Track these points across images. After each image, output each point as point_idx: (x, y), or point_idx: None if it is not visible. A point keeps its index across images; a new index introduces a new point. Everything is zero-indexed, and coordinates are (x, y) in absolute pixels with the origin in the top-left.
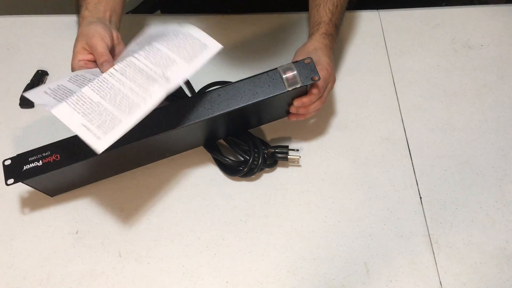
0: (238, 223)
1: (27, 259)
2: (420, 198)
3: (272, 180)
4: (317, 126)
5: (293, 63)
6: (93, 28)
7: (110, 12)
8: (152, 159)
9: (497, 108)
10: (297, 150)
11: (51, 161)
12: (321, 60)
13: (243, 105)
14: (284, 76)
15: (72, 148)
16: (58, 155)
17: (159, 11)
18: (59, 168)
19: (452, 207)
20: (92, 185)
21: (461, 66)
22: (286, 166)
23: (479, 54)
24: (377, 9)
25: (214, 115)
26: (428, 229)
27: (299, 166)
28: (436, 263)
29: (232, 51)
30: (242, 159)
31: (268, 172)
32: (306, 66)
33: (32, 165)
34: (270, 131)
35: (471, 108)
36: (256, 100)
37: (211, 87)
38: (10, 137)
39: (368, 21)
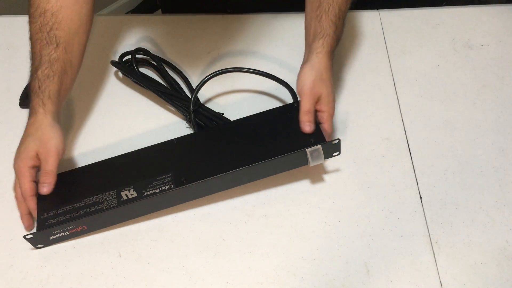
0: (238, 223)
1: (27, 259)
2: (420, 198)
3: (272, 180)
4: None
5: (321, 144)
6: (54, 137)
7: (64, 100)
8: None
9: (497, 108)
10: None
11: (78, 230)
12: (327, 98)
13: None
14: (310, 158)
15: (98, 220)
16: (85, 226)
17: (159, 11)
18: (87, 233)
19: (452, 207)
20: None
21: (461, 66)
22: None
23: (479, 54)
24: (377, 9)
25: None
26: (428, 229)
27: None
28: (436, 263)
29: (232, 51)
30: None
31: None
32: (332, 146)
33: (58, 235)
34: None
35: (471, 108)
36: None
37: (210, 78)
38: (10, 137)
39: (368, 21)
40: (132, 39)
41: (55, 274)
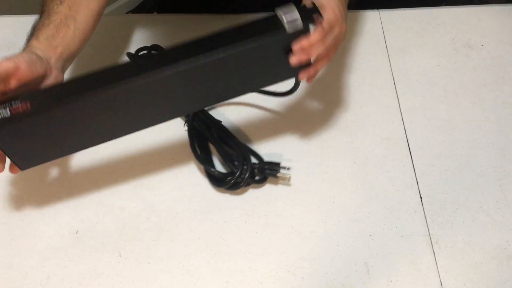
0: (238, 223)
1: (27, 259)
2: (421, 198)
3: (273, 180)
4: (317, 126)
5: (295, 6)
6: (23, 54)
7: (62, 49)
8: (137, 123)
9: (497, 108)
10: (289, 168)
11: (20, 109)
12: (328, 1)
13: (238, 50)
14: (284, 18)
15: (42, 96)
16: (28, 104)
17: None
18: (32, 115)
19: (452, 207)
20: (91, 184)
21: (462, 66)
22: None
23: (480, 54)
24: (377, 9)
25: (205, 60)
26: (428, 229)
27: (300, 165)
28: (436, 263)
29: None
30: (230, 170)
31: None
32: (308, 10)
33: None
34: (268, 134)
35: (471, 108)
36: (253, 46)
37: None
38: None
39: (368, 21)
40: (132, 39)
41: (55, 274)
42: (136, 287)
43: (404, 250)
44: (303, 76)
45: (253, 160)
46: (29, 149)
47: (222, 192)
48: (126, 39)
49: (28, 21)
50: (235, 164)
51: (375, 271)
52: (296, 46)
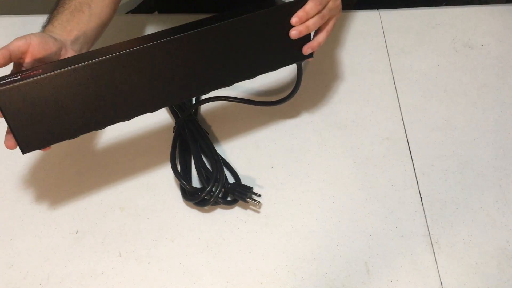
0: (238, 223)
1: (27, 259)
2: (421, 198)
3: (273, 180)
4: (317, 126)
5: None
6: (35, 33)
7: (77, 33)
8: (146, 101)
9: (497, 108)
10: (259, 195)
11: (31, 73)
12: None
13: (236, 18)
14: None
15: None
16: (40, 70)
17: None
18: (40, 75)
19: (452, 207)
20: (91, 183)
21: (462, 66)
22: (284, 168)
23: (480, 54)
24: (377, 9)
25: (203, 28)
26: (428, 229)
27: (300, 165)
28: (436, 263)
29: None
30: (202, 185)
31: (267, 172)
32: None
33: (8, 79)
34: (267, 134)
35: (471, 108)
36: (252, 14)
37: (215, 100)
38: None
39: (368, 21)
40: None
41: (55, 274)
42: (136, 287)
43: (404, 250)
44: (307, 50)
45: (232, 179)
46: (34, 124)
47: (191, 206)
48: (127, 39)
49: (28, 21)
50: (208, 180)
51: (375, 271)
52: (293, 18)
